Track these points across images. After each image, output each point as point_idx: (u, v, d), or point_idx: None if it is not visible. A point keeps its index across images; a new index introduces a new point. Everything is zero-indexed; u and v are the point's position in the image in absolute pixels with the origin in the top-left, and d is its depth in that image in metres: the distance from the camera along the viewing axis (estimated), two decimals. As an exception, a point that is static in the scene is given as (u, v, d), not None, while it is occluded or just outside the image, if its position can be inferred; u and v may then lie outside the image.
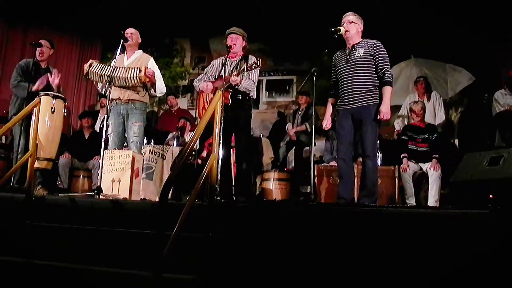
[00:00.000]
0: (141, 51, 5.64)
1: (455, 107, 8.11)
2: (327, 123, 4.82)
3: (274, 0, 7.88)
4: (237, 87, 4.91)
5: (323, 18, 5.39)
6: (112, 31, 5.91)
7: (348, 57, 4.65)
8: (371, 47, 4.59)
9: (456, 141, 7.42)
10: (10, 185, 5.26)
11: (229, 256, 2.82)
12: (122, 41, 5.23)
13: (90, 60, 5.31)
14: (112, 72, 5.09)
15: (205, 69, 5.48)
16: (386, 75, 4.51)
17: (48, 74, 5.78)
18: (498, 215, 2.53)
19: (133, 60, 5.46)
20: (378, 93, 4.56)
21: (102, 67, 5.16)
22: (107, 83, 5.08)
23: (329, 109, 4.90)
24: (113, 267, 2.71)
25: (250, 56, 5.17)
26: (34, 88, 5.58)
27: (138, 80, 5.13)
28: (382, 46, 4.61)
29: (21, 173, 5.31)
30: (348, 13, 4.71)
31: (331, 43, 4.64)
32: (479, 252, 2.43)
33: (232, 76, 4.84)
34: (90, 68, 5.16)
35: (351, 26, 4.63)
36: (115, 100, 5.32)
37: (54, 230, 3.43)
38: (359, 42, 4.67)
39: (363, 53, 4.58)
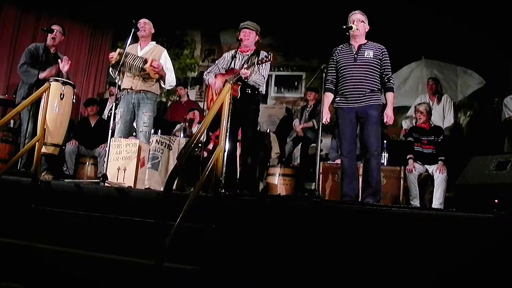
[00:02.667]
0: (155, 42, 5.65)
1: (464, 110, 8.05)
2: (326, 117, 4.79)
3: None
4: (246, 80, 4.92)
5: (334, 15, 5.37)
6: (124, 21, 5.92)
7: (356, 56, 4.66)
8: (379, 51, 4.69)
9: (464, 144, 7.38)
10: (17, 169, 5.30)
11: (231, 248, 2.83)
12: (133, 30, 5.24)
13: (118, 49, 5.31)
14: (130, 59, 5.12)
15: (216, 61, 5.49)
16: (391, 81, 4.70)
17: (59, 60, 5.81)
18: (502, 220, 2.51)
19: (147, 51, 5.47)
20: (380, 95, 4.68)
21: (127, 54, 5.18)
22: (116, 72, 5.10)
23: (327, 103, 4.86)
24: (115, 254, 2.73)
25: (261, 51, 5.18)
26: (42, 76, 5.61)
27: (142, 71, 5.13)
28: (387, 52, 4.73)
29: (27, 158, 5.35)
30: (356, 12, 4.74)
31: (341, 40, 4.68)
32: (481, 256, 2.42)
33: (243, 69, 4.85)
34: (121, 57, 5.14)
35: (360, 25, 4.69)
36: (127, 90, 5.33)
37: (59, 215, 3.45)
38: (366, 43, 4.74)
39: (373, 55, 4.66)
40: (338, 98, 4.76)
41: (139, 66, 5.12)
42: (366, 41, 4.75)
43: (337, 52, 4.83)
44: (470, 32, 7.14)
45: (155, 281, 2.46)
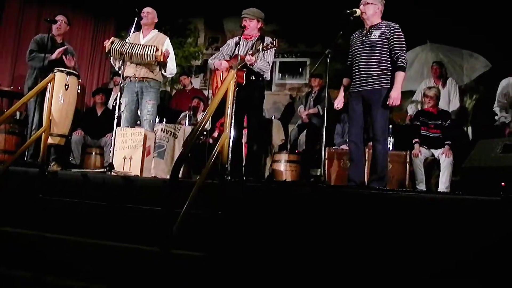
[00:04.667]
0: (157, 30, 5.64)
1: (470, 94, 8.01)
2: (338, 103, 4.79)
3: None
4: (251, 67, 4.91)
5: (338, 0, 5.32)
6: (127, 10, 5.90)
7: (364, 38, 4.61)
8: (387, 30, 4.54)
9: (470, 128, 7.35)
10: (24, 160, 5.32)
11: (238, 234, 2.84)
12: (136, 19, 5.23)
13: (112, 38, 5.30)
14: (131, 49, 5.10)
15: (221, 48, 5.48)
16: (400, 59, 4.47)
17: (63, 57, 5.82)
18: (509, 202, 2.51)
19: (149, 39, 5.46)
20: (389, 77, 4.52)
21: (123, 44, 5.16)
22: (122, 61, 5.10)
23: (342, 89, 4.87)
24: (123, 242, 2.75)
25: (266, 37, 5.15)
26: (53, 56, 5.63)
27: (154, 58, 5.12)
28: (400, 30, 4.55)
29: (34, 149, 5.38)
30: None
31: (346, 25, 4.61)
32: (489, 239, 2.42)
33: (247, 56, 4.84)
34: (113, 46, 5.14)
35: (368, 7, 4.56)
36: (130, 78, 5.33)
37: (66, 204, 3.47)
38: (377, 24, 4.62)
39: (379, 35, 4.53)
40: (351, 84, 4.73)
41: (152, 54, 5.09)
42: (379, 21, 4.63)
43: (353, 37, 4.79)
44: (476, 16, 7.07)
45: (163, 268, 2.48)
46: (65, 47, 5.89)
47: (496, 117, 6.17)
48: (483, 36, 7.22)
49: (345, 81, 4.87)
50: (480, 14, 7.04)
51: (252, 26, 5.16)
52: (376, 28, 4.59)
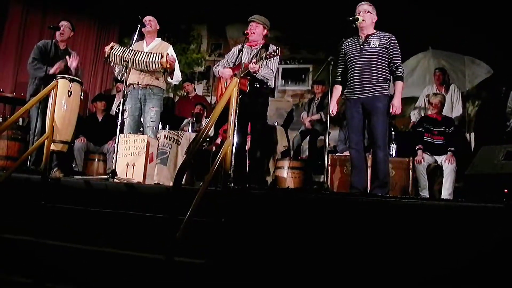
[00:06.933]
0: (160, 38, 5.66)
1: (472, 100, 8.00)
2: (333, 109, 4.79)
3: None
4: (255, 74, 4.93)
5: (340, 8, 5.34)
6: (130, 17, 5.92)
7: (362, 46, 4.64)
8: (386, 40, 4.62)
9: (472, 135, 7.34)
10: (27, 167, 5.32)
11: (241, 242, 2.83)
12: (139, 26, 5.24)
13: (112, 43, 5.30)
14: (134, 56, 5.10)
15: (226, 55, 5.49)
16: (399, 69, 4.60)
17: (67, 57, 5.83)
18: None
19: (153, 47, 5.47)
20: (388, 85, 4.61)
21: (124, 50, 5.14)
22: (124, 68, 5.10)
23: (335, 95, 4.87)
24: (126, 250, 2.74)
25: (270, 45, 5.18)
26: (51, 71, 5.64)
27: (160, 65, 5.12)
28: (396, 41, 4.65)
29: (37, 155, 5.38)
30: (363, 2, 4.72)
31: (348, 32, 4.66)
32: (492, 246, 2.41)
33: (251, 64, 4.85)
34: (112, 51, 5.13)
35: (367, 15, 4.65)
36: (133, 85, 5.33)
37: (69, 212, 3.47)
38: (373, 33, 4.70)
39: (379, 44, 4.61)
40: (346, 90, 4.75)
41: (157, 61, 5.09)
42: (374, 31, 4.70)
43: (346, 44, 4.82)
44: (478, 22, 7.08)
45: (166, 275, 2.47)
46: (63, 60, 5.87)
47: (508, 123, 6.16)
48: (485, 42, 7.24)
49: (337, 88, 4.89)
50: (482, 20, 7.05)
51: (258, 31, 5.19)
52: (374, 37, 4.66)
